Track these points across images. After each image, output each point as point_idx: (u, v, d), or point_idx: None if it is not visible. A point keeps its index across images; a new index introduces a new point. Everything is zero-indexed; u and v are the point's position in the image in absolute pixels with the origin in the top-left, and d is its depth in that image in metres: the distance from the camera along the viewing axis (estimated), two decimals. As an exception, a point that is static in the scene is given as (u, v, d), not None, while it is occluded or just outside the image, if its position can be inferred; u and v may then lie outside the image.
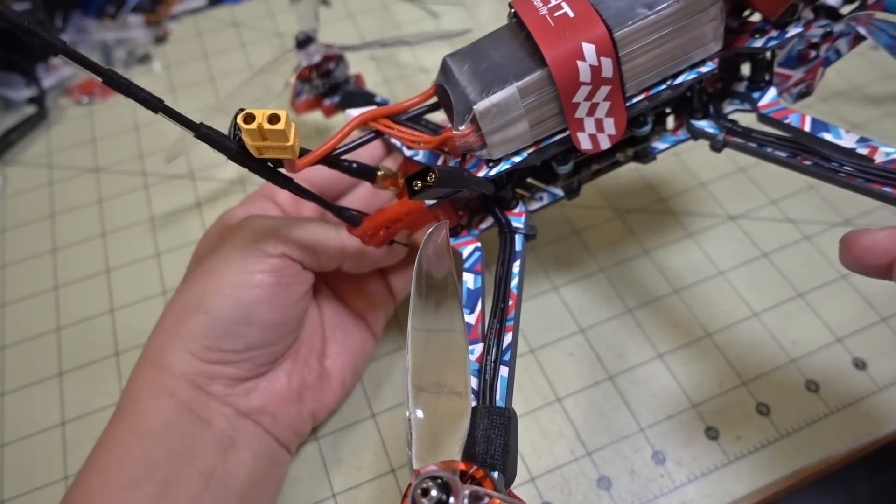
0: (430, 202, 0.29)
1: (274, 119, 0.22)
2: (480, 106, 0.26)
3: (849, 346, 0.36)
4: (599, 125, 0.28)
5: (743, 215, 0.41)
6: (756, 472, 0.32)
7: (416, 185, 0.24)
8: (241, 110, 0.22)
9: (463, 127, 0.27)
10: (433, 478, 0.20)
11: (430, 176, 0.24)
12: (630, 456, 0.33)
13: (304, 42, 0.40)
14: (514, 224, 0.30)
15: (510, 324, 0.26)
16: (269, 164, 0.25)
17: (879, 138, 0.27)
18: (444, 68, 0.28)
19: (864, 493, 0.33)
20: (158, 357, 0.27)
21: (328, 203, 0.28)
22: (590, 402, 0.35)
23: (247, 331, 0.28)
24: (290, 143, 0.23)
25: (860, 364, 0.35)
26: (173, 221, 0.44)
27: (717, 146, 0.31)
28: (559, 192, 0.32)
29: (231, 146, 0.23)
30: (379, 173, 0.29)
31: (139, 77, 0.53)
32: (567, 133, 0.28)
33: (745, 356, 0.36)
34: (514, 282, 0.28)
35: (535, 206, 0.32)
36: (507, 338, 0.26)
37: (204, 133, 0.23)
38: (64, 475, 0.34)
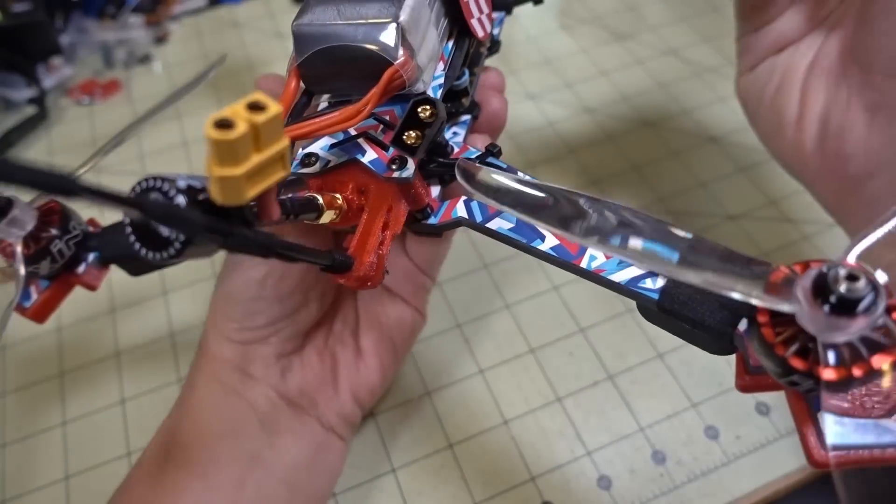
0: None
1: (256, 107, 0.14)
2: (403, 16, 0.21)
3: (849, 345, 0.35)
4: (479, 6, 0.27)
5: (743, 215, 0.41)
6: (756, 472, 0.32)
7: (409, 136, 0.19)
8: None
9: (400, 54, 0.22)
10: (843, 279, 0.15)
11: (425, 110, 0.19)
12: (630, 455, 0.33)
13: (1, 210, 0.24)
14: (469, 157, 0.25)
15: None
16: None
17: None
18: (303, 38, 0.23)
19: (864, 494, 0.33)
20: (205, 347, 0.29)
21: (311, 252, 0.19)
22: (590, 402, 0.35)
23: (262, 305, 0.28)
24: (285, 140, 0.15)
25: (860, 364, 0.35)
26: (174, 222, 0.44)
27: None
28: (467, 116, 0.28)
29: (190, 217, 0.14)
30: (319, 202, 0.21)
31: (140, 77, 0.53)
32: (453, 39, 0.27)
33: (745, 356, 0.36)
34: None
35: (461, 135, 0.27)
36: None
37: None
38: (65, 475, 0.34)
